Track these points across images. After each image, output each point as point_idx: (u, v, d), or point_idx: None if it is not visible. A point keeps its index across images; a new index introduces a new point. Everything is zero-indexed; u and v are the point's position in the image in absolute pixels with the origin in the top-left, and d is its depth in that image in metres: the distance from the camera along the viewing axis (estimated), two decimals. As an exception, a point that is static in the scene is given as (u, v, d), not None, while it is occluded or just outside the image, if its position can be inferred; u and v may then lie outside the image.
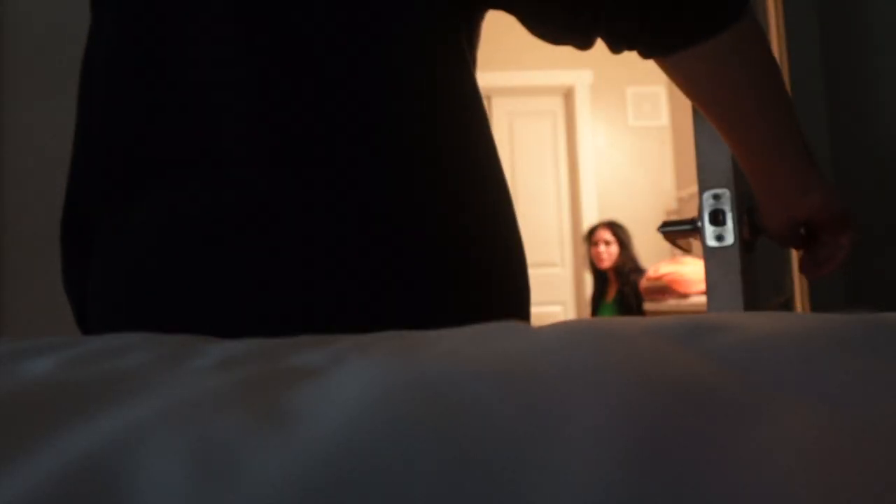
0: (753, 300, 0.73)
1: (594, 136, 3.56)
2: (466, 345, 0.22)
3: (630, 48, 0.48)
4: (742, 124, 0.48)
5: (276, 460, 0.14)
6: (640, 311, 2.72)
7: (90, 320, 0.51)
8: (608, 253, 2.93)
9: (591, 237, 2.99)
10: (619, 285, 2.92)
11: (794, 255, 1.39)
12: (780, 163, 0.50)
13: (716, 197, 0.71)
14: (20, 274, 1.23)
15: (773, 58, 0.48)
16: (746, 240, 0.72)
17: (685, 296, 2.22)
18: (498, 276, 0.47)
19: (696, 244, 1.30)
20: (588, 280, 3.38)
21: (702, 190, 0.72)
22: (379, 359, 0.20)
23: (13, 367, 0.23)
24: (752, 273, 0.74)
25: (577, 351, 0.20)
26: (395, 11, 0.45)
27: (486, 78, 3.48)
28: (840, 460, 0.14)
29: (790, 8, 1.35)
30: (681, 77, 0.47)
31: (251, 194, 0.44)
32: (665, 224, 0.82)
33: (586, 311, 3.39)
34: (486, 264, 0.46)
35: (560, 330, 0.23)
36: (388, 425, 0.15)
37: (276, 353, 0.23)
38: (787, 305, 1.17)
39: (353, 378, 0.18)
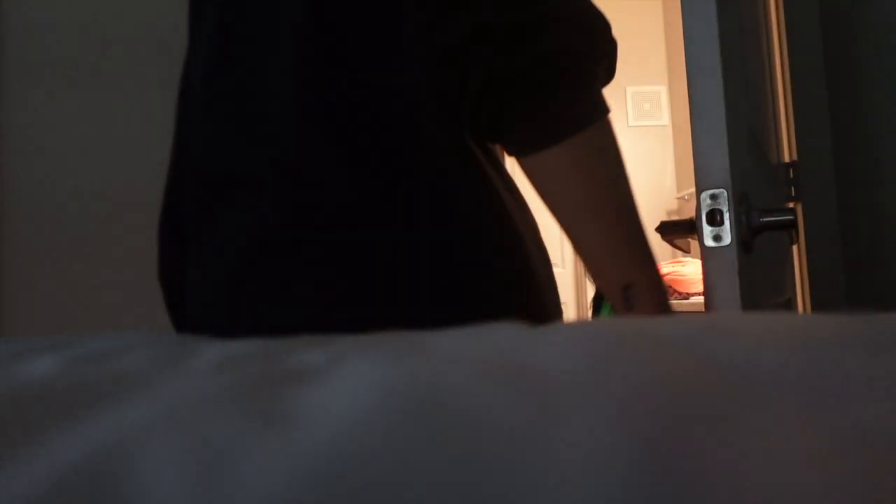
0: (752, 300, 0.73)
1: (594, 136, 3.56)
2: (466, 346, 0.22)
3: (494, 141, 0.53)
4: (576, 226, 0.52)
5: (274, 462, 0.14)
6: None
7: (187, 318, 0.56)
8: None
9: None
10: None
11: (796, 255, 1.39)
12: (610, 262, 0.53)
13: (713, 197, 0.71)
14: (20, 274, 1.23)
15: (616, 162, 0.51)
16: (744, 240, 0.73)
17: (685, 296, 2.22)
18: (519, 300, 0.51)
19: (695, 244, 1.30)
20: (588, 280, 3.38)
21: (699, 190, 0.72)
22: (378, 360, 0.20)
23: (13, 367, 0.23)
24: (750, 273, 0.74)
25: (577, 352, 0.20)
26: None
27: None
28: (841, 463, 0.14)
29: (791, 7, 1.35)
30: (533, 176, 0.51)
31: (318, 212, 0.49)
32: (663, 224, 0.82)
33: (586, 312, 3.38)
34: (507, 287, 0.50)
35: (560, 331, 0.23)
36: (386, 427, 0.15)
37: (275, 353, 0.23)
38: (788, 305, 1.17)
39: (351, 380, 0.18)
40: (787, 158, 1.39)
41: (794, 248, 1.36)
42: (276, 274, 0.48)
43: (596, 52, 0.50)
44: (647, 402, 0.16)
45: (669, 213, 3.63)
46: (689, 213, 3.08)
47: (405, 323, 0.40)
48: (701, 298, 2.19)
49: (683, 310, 2.00)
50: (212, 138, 0.55)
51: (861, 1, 1.25)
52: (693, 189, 3.12)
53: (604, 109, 0.50)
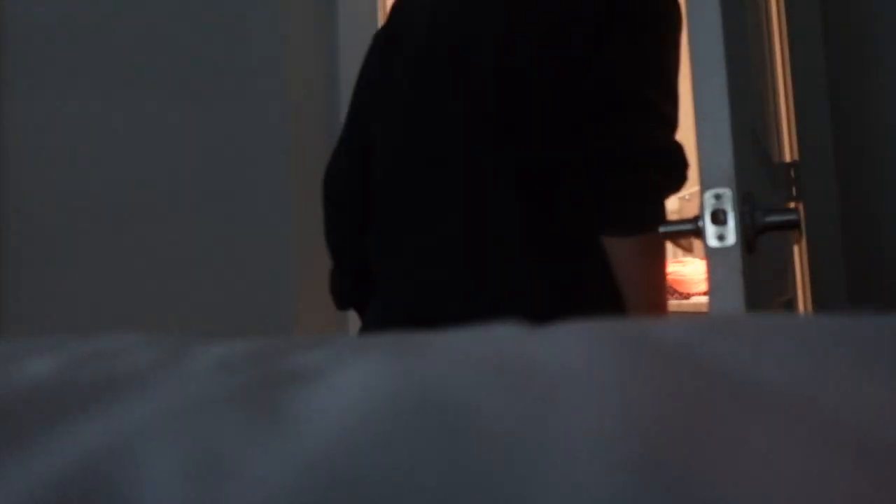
0: (755, 300, 0.73)
1: (595, 136, 3.55)
2: (466, 347, 0.22)
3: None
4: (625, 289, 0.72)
5: (273, 463, 0.14)
6: None
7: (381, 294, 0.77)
8: None
9: None
10: None
11: (797, 254, 1.39)
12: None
13: (717, 196, 0.71)
14: (20, 274, 1.23)
15: (660, 271, 0.73)
16: (748, 239, 0.72)
17: (687, 296, 2.22)
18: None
19: (697, 243, 1.29)
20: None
21: (703, 189, 0.72)
22: (378, 361, 0.20)
23: (13, 367, 0.23)
24: (754, 273, 0.74)
25: (578, 353, 0.20)
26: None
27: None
28: (839, 465, 0.14)
29: (793, 6, 1.35)
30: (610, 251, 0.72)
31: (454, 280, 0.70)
32: (666, 223, 0.82)
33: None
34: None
35: (561, 332, 0.23)
36: (386, 429, 0.15)
37: (275, 354, 0.23)
38: (790, 306, 1.17)
39: (352, 381, 0.18)
40: (788, 158, 1.39)
41: (796, 247, 1.36)
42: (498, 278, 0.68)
43: (677, 186, 0.72)
44: (646, 404, 0.16)
45: (671, 212, 3.62)
46: (690, 212, 3.07)
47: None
48: (703, 298, 2.20)
49: (684, 310, 2.00)
50: (423, 199, 0.72)
51: (863, 0, 1.25)
52: (694, 188, 3.12)
53: (663, 221, 0.69)
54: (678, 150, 0.69)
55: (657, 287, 0.72)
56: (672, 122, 0.70)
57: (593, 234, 0.70)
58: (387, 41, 0.79)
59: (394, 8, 0.82)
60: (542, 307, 0.64)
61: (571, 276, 0.69)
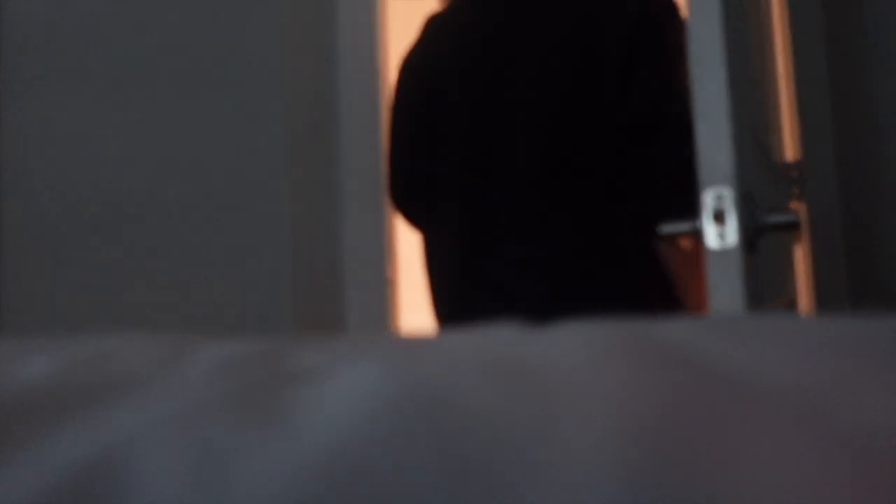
0: (756, 301, 0.72)
1: (596, 136, 3.55)
2: (465, 347, 0.22)
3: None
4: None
5: (273, 463, 0.14)
6: None
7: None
8: None
9: None
10: None
11: (799, 255, 1.38)
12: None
13: (717, 197, 0.71)
14: (20, 274, 1.23)
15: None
16: (748, 240, 0.72)
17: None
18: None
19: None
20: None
21: (703, 189, 0.72)
22: (378, 362, 0.20)
23: (13, 367, 0.23)
24: (754, 274, 0.74)
25: (579, 353, 0.20)
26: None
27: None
28: (840, 465, 0.14)
29: (794, 5, 1.35)
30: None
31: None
32: (665, 224, 0.82)
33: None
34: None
35: (561, 332, 0.23)
36: (385, 429, 0.15)
37: (276, 354, 0.23)
38: (790, 306, 1.17)
39: (352, 381, 0.18)
40: (789, 158, 1.39)
41: (797, 247, 1.35)
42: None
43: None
44: (646, 404, 0.16)
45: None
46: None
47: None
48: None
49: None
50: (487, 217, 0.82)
51: (866, 1, 1.25)
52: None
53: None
54: None
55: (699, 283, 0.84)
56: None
57: (647, 246, 0.78)
58: (422, 75, 0.87)
59: (420, 42, 0.89)
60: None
61: (628, 278, 0.78)
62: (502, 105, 0.79)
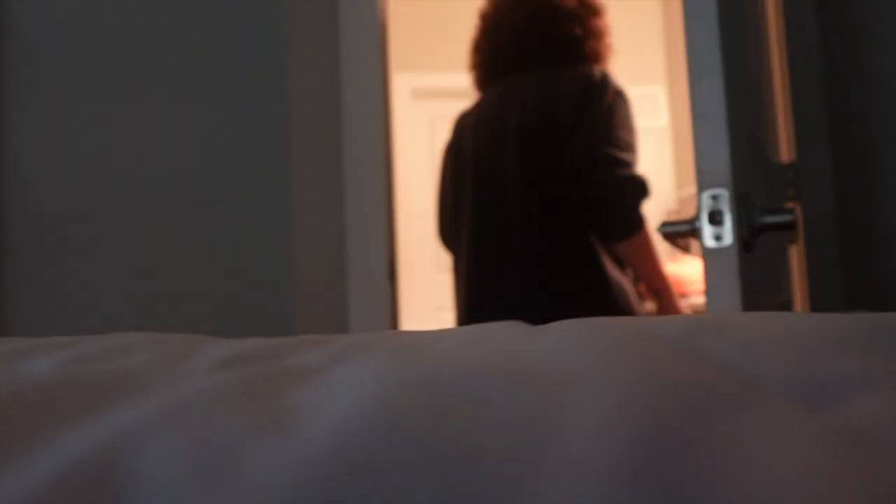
0: (752, 300, 0.73)
1: (594, 136, 3.55)
2: (466, 344, 0.22)
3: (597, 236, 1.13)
4: (637, 269, 1.16)
5: (275, 460, 0.14)
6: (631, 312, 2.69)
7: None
8: None
9: None
10: None
11: (794, 255, 1.39)
12: (650, 282, 1.19)
13: (714, 197, 0.71)
14: (21, 274, 1.23)
15: (652, 248, 1.14)
16: (745, 240, 0.73)
17: (684, 296, 2.22)
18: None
19: (695, 244, 1.30)
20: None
21: (700, 190, 0.72)
22: (378, 358, 0.20)
23: (14, 366, 0.23)
24: (750, 273, 0.74)
25: (578, 350, 0.20)
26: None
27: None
28: (838, 460, 0.14)
29: (790, 6, 1.35)
30: (620, 251, 1.13)
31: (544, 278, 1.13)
32: (664, 224, 0.82)
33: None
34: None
35: (560, 329, 0.23)
36: (387, 425, 0.15)
37: (276, 352, 0.23)
38: (787, 305, 1.17)
39: (352, 378, 0.18)
40: (785, 159, 1.39)
41: (793, 248, 1.36)
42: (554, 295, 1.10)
43: (643, 198, 1.13)
44: (645, 400, 0.16)
45: (669, 213, 3.62)
46: (689, 213, 3.05)
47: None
48: (701, 298, 2.19)
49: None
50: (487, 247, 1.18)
51: (860, 0, 1.25)
52: (692, 188, 3.11)
53: (644, 223, 1.11)
54: (639, 178, 1.11)
55: (656, 268, 1.15)
56: (631, 164, 1.10)
57: (600, 243, 1.11)
58: (454, 155, 1.27)
59: (453, 128, 1.31)
60: (553, 296, 1.08)
61: (581, 274, 1.10)
62: (497, 157, 1.15)
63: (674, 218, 0.85)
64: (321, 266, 1.04)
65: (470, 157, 1.20)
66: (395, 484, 0.13)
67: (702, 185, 0.72)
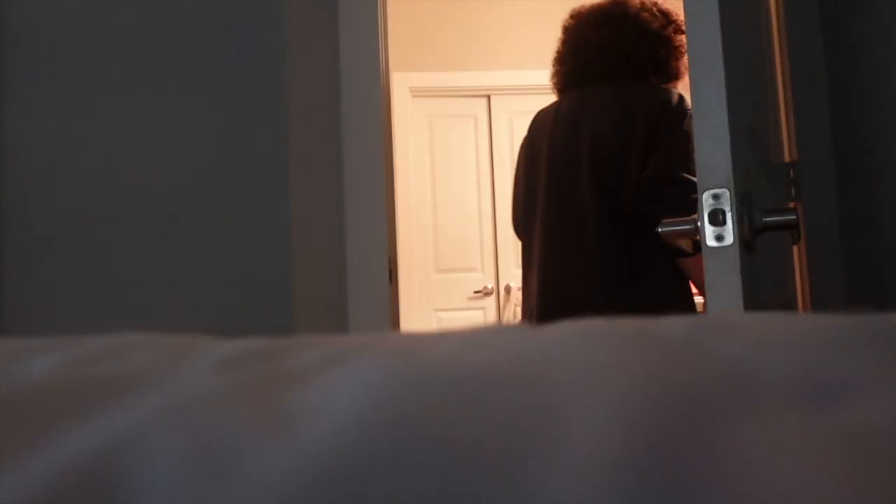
0: (753, 300, 0.73)
1: (594, 136, 3.56)
2: (467, 346, 0.22)
3: None
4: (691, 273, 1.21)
5: (275, 461, 0.14)
6: None
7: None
8: None
9: None
10: None
11: (796, 255, 1.39)
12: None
13: (715, 197, 0.71)
14: (21, 274, 1.23)
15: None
16: (746, 239, 0.72)
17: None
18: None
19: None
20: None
21: (701, 190, 0.72)
22: (378, 360, 0.20)
23: (13, 367, 0.23)
24: (751, 273, 0.74)
25: (578, 351, 0.20)
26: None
27: (486, 77, 3.48)
28: (838, 462, 0.14)
29: (792, 5, 1.35)
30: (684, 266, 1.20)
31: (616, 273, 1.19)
32: (665, 223, 0.82)
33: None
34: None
35: (560, 330, 0.23)
36: (387, 426, 0.15)
37: (276, 353, 0.23)
38: (788, 305, 1.17)
39: (352, 379, 0.18)
40: (787, 158, 1.39)
41: (795, 247, 1.36)
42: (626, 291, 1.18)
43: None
44: (645, 401, 0.16)
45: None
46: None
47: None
48: (701, 298, 2.19)
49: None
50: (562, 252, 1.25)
51: (862, 3, 1.25)
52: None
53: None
54: None
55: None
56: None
57: (664, 256, 1.18)
58: (529, 150, 1.35)
59: (530, 126, 1.37)
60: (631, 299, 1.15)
61: (651, 282, 1.17)
62: (570, 162, 1.21)
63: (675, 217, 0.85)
64: (321, 266, 1.04)
65: (544, 156, 1.27)
66: (394, 485, 0.13)
67: (703, 185, 0.72)
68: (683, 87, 1.02)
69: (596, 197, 1.17)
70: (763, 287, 0.85)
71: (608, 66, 1.23)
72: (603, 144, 1.18)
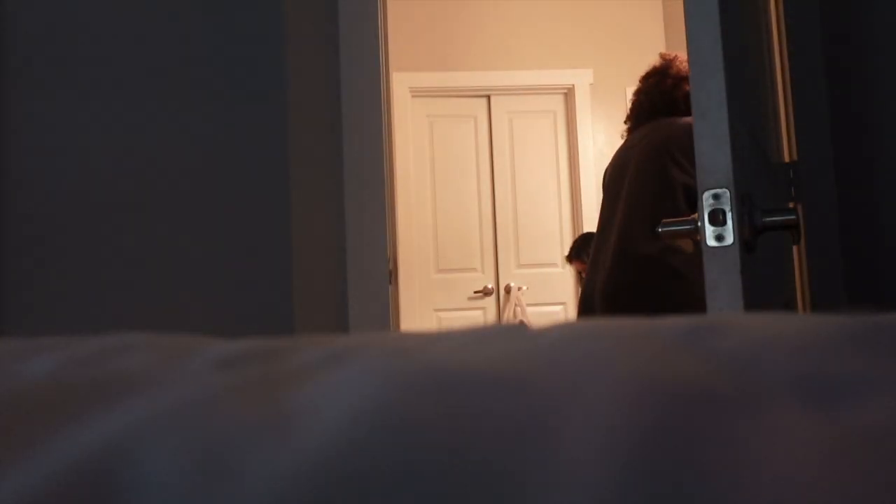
0: (754, 300, 0.73)
1: (594, 136, 3.56)
2: (466, 346, 0.22)
3: None
4: None
5: (274, 461, 0.14)
6: None
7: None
8: None
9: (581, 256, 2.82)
10: None
11: (796, 255, 1.39)
12: None
13: (715, 197, 0.71)
14: (20, 274, 1.23)
15: None
16: (746, 239, 0.72)
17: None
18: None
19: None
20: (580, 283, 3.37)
21: (701, 190, 0.72)
22: (378, 360, 0.20)
23: (13, 367, 0.23)
24: (752, 273, 0.74)
25: (578, 352, 0.20)
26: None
27: (486, 77, 3.49)
28: (838, 462, 0.14)
29: (791, 6, 1.35)
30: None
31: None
32: (665, 224, 0.82)
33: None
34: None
35: (560, 331, 0.23)
36: (386, 426, 0.15)
37: (276, 353, 0.23)
38: (788, 305, 1.17)
39: (352, 379, 0.18)
40: (787, 158, 1.39)
41: (795, 247, 1.36)
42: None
43: None
44: (646, 402, 0.16)
45: (670, 213, 3.62)
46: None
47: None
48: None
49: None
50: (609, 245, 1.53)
51: (862, 1, 1.25)
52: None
53: None
54: None
55: None
56: None
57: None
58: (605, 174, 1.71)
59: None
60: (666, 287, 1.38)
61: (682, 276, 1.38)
62: (618, 187, 1.55)
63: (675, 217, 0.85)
64: (321, 266, 1.04)
65: (607, 179, 1.65)
66: (393, 486, 0.13)
67: (703, 185, 0.72)
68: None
69: (630, 219, 1.49)
70: (763, 287, 0.85)
71: (654, 106, 1.61)
72: (641, 175, 1.51)
